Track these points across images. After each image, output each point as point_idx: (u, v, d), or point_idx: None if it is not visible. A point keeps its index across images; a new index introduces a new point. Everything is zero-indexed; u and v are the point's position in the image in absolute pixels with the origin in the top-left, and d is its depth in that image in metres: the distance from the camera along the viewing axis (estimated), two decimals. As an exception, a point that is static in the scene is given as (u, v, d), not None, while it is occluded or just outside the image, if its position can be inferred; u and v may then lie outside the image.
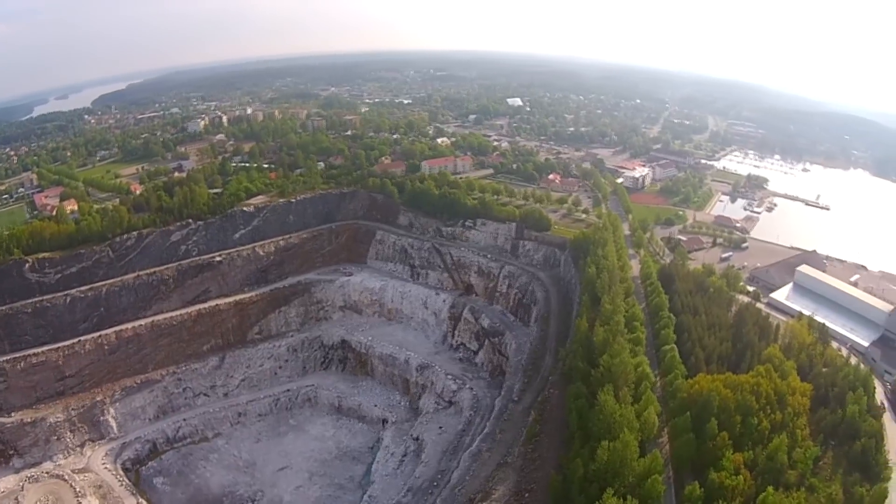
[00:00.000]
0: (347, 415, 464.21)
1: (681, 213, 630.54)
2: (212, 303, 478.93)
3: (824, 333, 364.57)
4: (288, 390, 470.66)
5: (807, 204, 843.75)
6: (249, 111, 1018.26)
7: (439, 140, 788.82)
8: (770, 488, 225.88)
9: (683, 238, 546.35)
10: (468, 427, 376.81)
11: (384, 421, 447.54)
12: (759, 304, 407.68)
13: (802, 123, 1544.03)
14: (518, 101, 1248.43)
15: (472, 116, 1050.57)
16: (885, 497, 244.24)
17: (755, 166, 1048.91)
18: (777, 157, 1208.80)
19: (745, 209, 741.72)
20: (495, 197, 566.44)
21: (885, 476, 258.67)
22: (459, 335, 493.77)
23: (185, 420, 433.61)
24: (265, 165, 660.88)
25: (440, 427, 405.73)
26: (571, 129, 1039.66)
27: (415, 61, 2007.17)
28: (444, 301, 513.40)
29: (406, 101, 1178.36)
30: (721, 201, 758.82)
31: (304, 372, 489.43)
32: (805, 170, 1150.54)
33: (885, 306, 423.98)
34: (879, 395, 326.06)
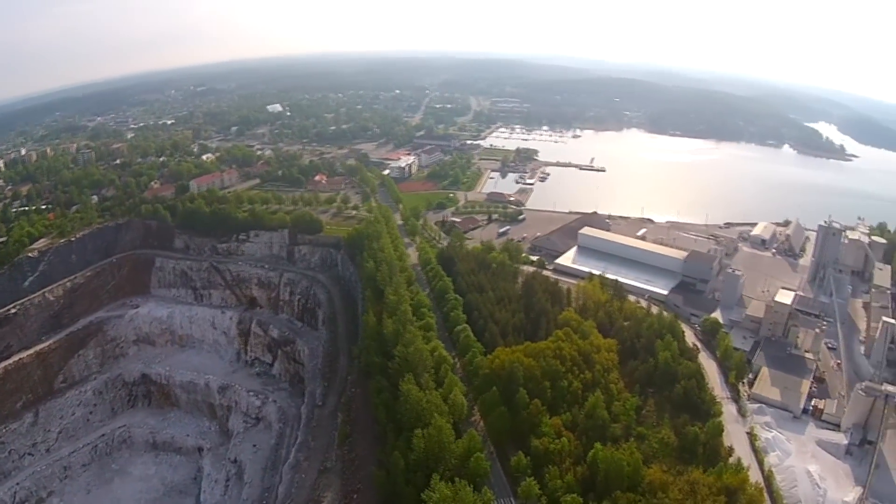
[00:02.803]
0: (164, 449, 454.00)
1: (451, 195, 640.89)
2: (15, 358, 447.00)
3: (619, 289, 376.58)
4: (103, 435, 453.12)
5: (581, 168, 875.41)
6: (24, 152, 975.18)
7: (204, 157, 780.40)
8: (598, 444, 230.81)
9: (457, 219, 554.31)
10: (281, 440, 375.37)
11: (200, 449, 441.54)
12: (545, 272, 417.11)
13: (569, 92, 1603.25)
14: (278, 107, 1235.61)
15: (233, 128, 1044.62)
16: (722, 430, 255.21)
17: (524, 140, 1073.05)
18: (545, 127, 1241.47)
19: (517, 182, 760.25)
20: (265, 206, 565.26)
21: (716, 411, 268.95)
22: (252, 350, 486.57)
23: (18, 484, 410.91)
24: (43, 206, 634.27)
25: (254, 445, 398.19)
26: (333, 127, 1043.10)
27: (175, 79, 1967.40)
28: (230, 318, 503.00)
29: (169, 122, 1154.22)
30: (492, 178, 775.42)
31: (113, 413, 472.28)
32: (576, 136, 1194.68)
33: (679, 254, 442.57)
34: (690, 338, 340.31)
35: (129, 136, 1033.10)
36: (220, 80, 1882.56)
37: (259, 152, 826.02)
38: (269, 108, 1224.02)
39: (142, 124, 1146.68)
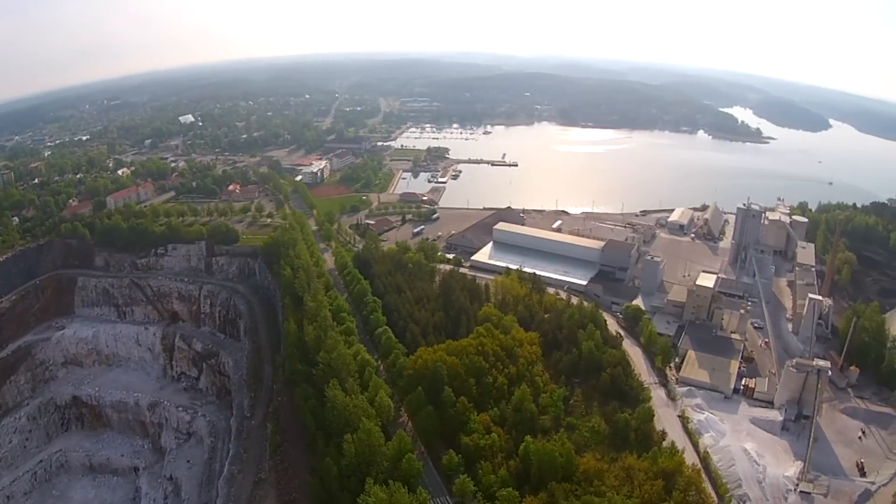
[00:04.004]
0: (101, 471, 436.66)
1: (364, 197, 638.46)
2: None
3: (537, 282, 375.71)
4: (41, 461, 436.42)
5: (493, 164, 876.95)
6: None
7: (120, 172, 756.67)
8: (528, 437, 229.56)
9: (371, 222, 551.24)
10: (213, 454, 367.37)
11: (136, 469, 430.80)
12: (462, 270, 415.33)
13: (479, 88, 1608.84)
14: (190, 118, 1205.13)
15: (147, 141, 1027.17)
16: (652, 415, 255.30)
17: (434, 138, 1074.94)
18: (456, 125, 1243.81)
19: (429, 181, 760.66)
20: (181, 219, 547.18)
21: (645, 397, 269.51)
22: (178, 365, 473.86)
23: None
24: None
25: (188, 461, 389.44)
26: (244, 136, 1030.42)
27: (90, 94, 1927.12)
28: (154, 334, 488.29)
29: (85, 138, 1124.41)
30: (404, 179, 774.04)
31: (48, 439, 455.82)
32: (487, 132, 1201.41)
33: (597, 244, 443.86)
34: (613, 326, 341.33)
35: (47, 153, 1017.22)
36: (134, 92, 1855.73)
37: (173, 164, 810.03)
38: (182, 118, 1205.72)
39: (58, 141, 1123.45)
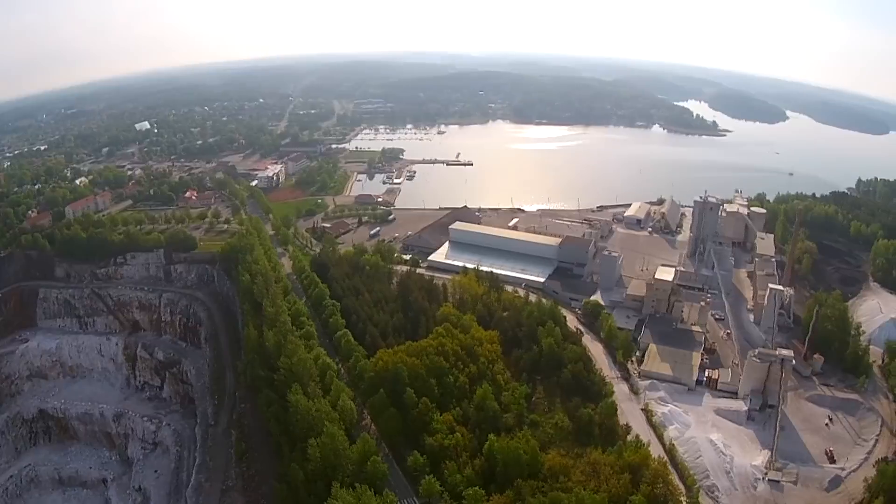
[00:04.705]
0: (70, 484, 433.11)
1: (320, 201, 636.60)
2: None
3: (495, 280, 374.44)
4: (11, 476, 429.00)
5: (448, 164, 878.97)
6: None
7: (78, 181, 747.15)
8: (492, 436, 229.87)
9: (328, 225, 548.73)
10: (180, 463, 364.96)
11: (104, 480, 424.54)
12: (420, 270, 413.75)
13: (432, 88, 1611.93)
14: (146, 125, 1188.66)
15: (104, 149, 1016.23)
16: (615, 409, 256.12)
17: (389, 140, 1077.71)
18: (410, 126, 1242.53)
19: (384, 183, 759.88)
20: (139, 227, 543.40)
21: (607, 391, 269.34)
22: (141, 374, 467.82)
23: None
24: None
25: (156, 471, 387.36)
26: (200, 141, 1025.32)
27: (47, 104, 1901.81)
28: (116, 344, 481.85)
29: (43, 148, 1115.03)
30: (359, 181, 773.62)
31: (17, 453, 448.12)
32: (441, 132, 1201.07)
33: (554, 240, 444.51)
34: (573, 323, 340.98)
35: (6, 164, 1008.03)
36: (90, 101, 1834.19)
37: (130, 172, 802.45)
38: (138, 126, 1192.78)
39: (17, 152, 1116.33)
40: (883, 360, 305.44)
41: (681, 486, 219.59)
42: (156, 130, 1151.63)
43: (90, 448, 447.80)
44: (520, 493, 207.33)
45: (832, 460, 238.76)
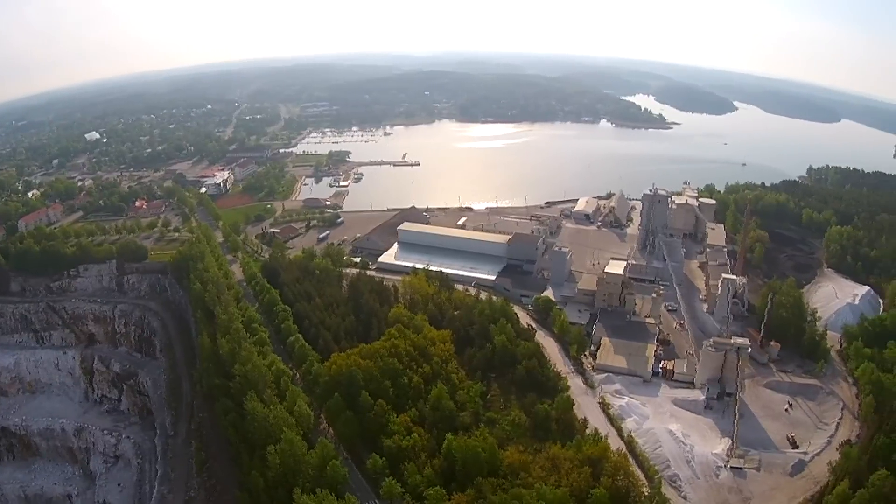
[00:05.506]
0: (36, 502, 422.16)
1: (269, 206, 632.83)
2: None
3: (445, 280, 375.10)
4: None
5: (395, 165, 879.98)
6: None
7: (29, 194, 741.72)
8: (449, 435, 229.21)
9: (277, 230, 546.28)
10: (142, 476, 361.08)
11: (69, 496, 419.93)
12: (369, 272, 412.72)
13: (377, 90, 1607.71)
14: (95, 135, 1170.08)
15: (55, 161, 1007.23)
16: (572, 404, 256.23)
17: (335, 142, 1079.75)
18: (356, 128, 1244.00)
19: (331, 186, 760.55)
20: (91, 238, 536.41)
21: (562, 386, 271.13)
22: (98, 387, 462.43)
23: None
24: None
25: (119, 485, 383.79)
26: (148, 150, 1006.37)
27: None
28: (73, 358, 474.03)
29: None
30: (306, 184, 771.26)
31: None
32: (387, 133, 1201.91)
33: (502, 238, 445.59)
34: (525, 319, 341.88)
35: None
36: (40, 111, 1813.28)
37: (80, 183, 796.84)
38: (87, 136, 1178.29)
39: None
40: (841, 345, 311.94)
41: (642, 477, 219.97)
42: (105, 140, 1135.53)
43: (53, 464, 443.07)
44: (480, 491, 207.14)
45: (794, 445, 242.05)
